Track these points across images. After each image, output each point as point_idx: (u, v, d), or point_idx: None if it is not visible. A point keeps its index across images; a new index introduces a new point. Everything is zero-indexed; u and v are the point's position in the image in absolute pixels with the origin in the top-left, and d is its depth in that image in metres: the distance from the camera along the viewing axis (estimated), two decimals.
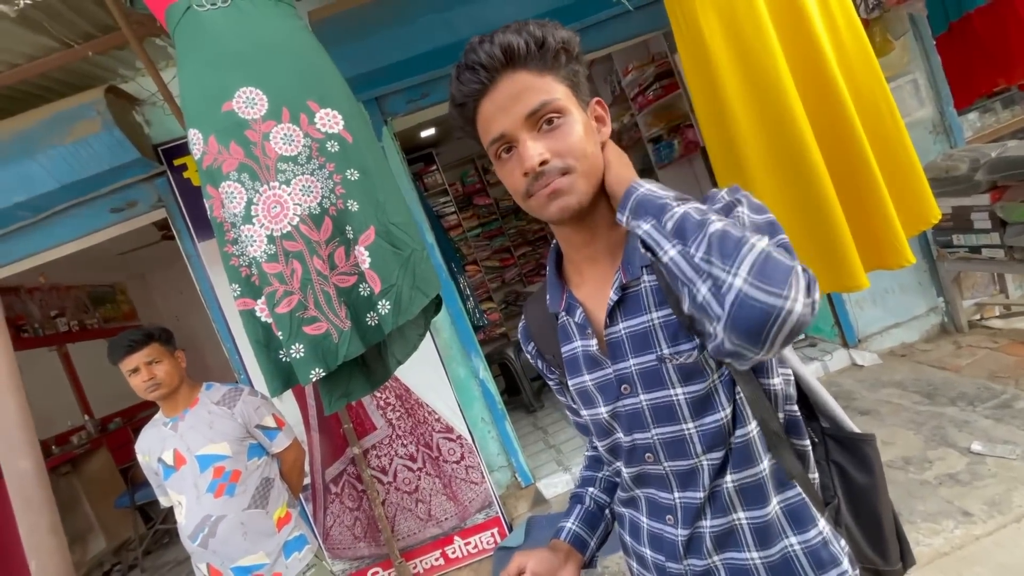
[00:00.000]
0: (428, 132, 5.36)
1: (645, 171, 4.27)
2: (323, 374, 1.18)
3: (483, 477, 2.63)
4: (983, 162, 2.48)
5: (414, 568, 2.60)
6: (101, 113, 2.25)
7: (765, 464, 0.65)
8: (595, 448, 0.84)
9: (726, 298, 0.49)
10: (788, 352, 0.70)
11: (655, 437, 0.67)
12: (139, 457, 1.66)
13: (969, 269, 2.86)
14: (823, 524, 0.66)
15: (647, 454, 0.69)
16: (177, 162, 2.46)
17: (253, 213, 1.17)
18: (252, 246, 1.18)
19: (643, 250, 0.59)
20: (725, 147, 1.72)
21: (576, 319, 0.72)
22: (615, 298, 0.67)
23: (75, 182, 2.33)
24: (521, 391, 4.08)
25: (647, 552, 0.73)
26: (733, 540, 0.66)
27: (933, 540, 1.71)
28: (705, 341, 0.57)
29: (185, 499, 1.56)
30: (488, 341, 5.35)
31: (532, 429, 3.71)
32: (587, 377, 0.71)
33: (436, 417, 2.61)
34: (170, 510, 1.87)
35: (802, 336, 3.36)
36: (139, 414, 5.00)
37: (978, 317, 3.04)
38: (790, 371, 0.69)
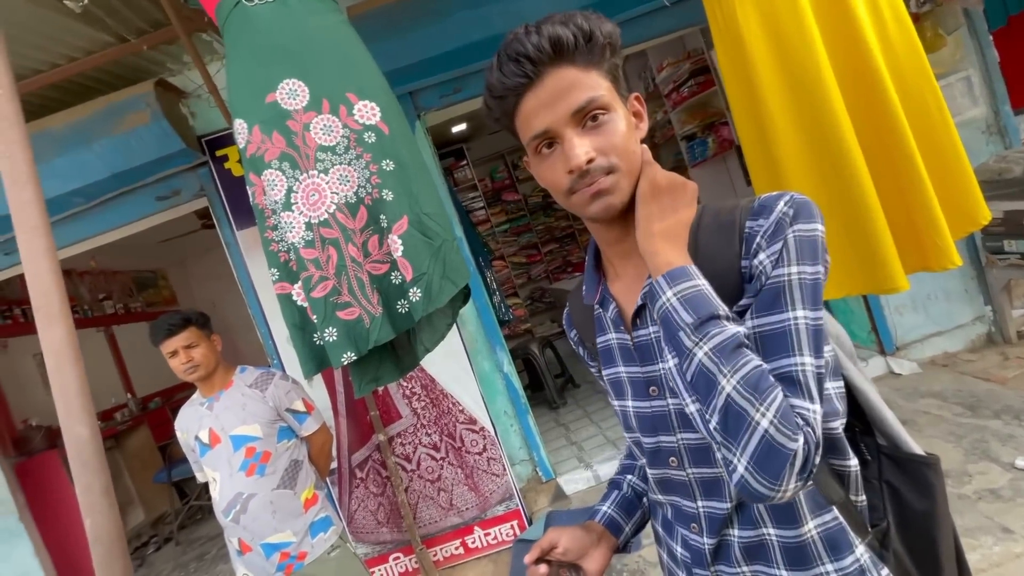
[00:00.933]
0: (459, 127, 5.41)
1: (677, 168, 4.20)
2: (354, 358, 1.21)
3: (504, 469, 2.65)
4: None
5: (434, 555, 2.65)
6: (150, 105, 2.35)
7: None
8: None
9: (731, 474, 0.54)
10: (846, 361, 0.66)
11: (681, 441, 0.66)
12: (178, 434, 1.74)
13: (1021, 277, 2.71)
14: (861, 550, 0.62)
15: (671, 458, 0.67)
16: (219, 153, 2.56)
17: (293, 200, 1.22)
18: (291, 232, 1.22)
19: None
20: (761, 145, 1.68)
21: (609, 314, 0.71)
22: (640, 302, 0.66)
23: (125, 171, 2.46)
24: (544, 387, 4.09)
25: (678, 549, 0.72)
26: (763, 554, 0.63)
27: (970, 556, 1.64)
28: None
29: (219, 476, 1.63)
30: (513, 336, 5.38)
31: (554, 425, 3.71)
32: (622, 368, 0.71)
33: (460, 408, 2.64)
34: (205, 487, 1.96)
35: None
36: (177, 394, 5.23)
37: None
38: (841, 383, 0.63)
